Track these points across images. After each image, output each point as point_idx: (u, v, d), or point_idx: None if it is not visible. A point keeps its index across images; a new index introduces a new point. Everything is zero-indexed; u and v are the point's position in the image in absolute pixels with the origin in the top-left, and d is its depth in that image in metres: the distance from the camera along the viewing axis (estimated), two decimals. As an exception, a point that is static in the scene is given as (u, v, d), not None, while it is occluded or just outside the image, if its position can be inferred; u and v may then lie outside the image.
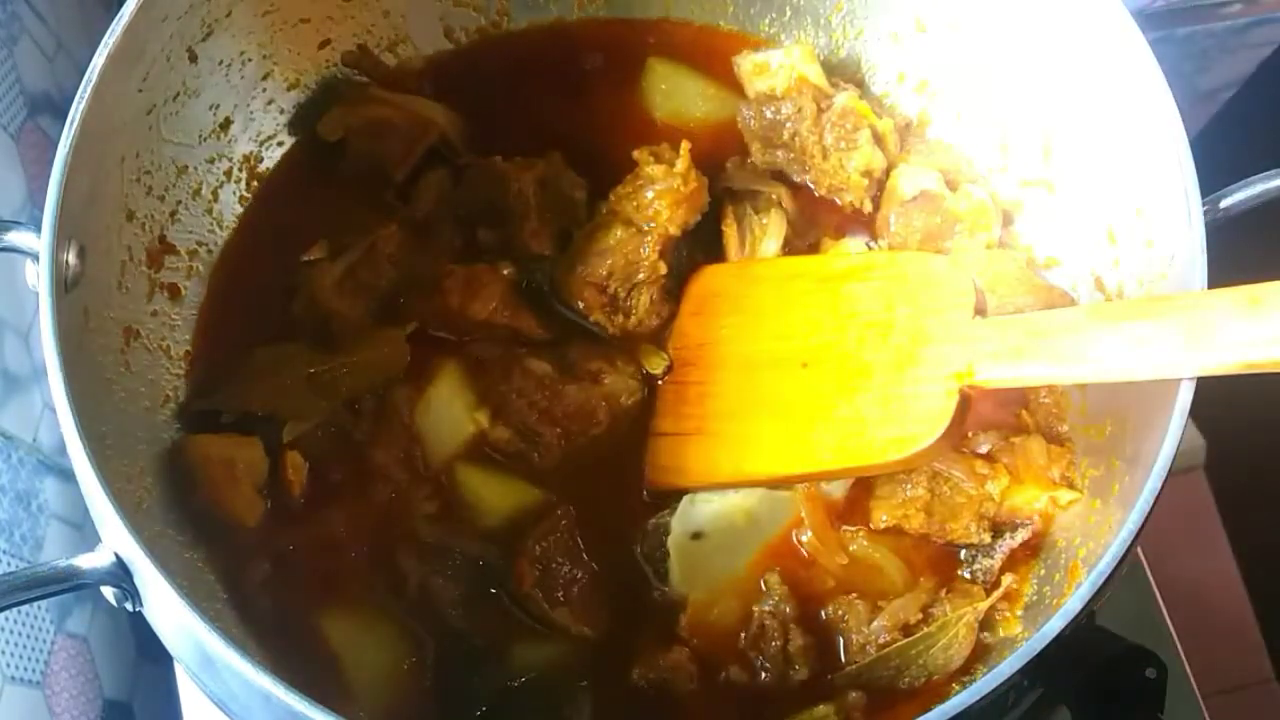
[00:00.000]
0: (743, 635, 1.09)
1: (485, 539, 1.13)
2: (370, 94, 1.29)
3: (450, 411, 1.17)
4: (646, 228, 1.20)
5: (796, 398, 1.14)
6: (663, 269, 1.20)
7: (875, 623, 1.08)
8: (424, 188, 1.27)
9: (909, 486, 1.13)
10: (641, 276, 1.20)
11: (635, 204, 1.21)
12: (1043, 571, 1.12)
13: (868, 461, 1.10)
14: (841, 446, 1.11)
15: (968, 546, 1.13)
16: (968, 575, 1.12)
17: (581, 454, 1.17)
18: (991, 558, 1.12)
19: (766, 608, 1.09)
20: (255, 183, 1.28)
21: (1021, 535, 1.13)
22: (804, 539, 1.12)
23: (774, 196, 1.25)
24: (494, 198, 1.24)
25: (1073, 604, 0.89)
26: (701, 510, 1.13)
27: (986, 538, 1.13)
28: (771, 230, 1.24)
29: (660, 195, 1.20)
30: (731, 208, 1.25)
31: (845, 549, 1.12)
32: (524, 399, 1.16)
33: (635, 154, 1.22)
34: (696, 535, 1.12)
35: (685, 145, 1.20)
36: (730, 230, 1.24)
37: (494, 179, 1.24)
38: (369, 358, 1.18)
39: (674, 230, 1.21)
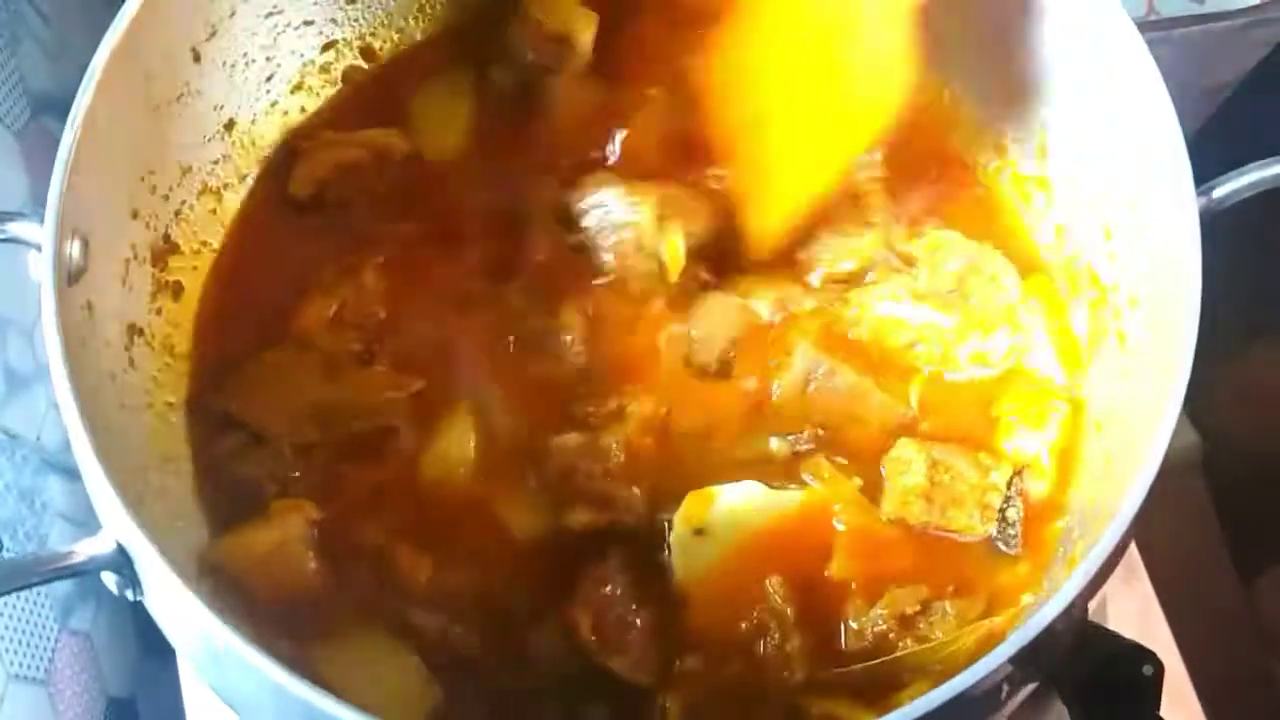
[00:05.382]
0: (743, 626, 1.09)
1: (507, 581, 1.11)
2: (325, 140, 1.28)
3: (462, 456, 1.15)
4: None
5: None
6: None
7: (874, 610, 1.08)
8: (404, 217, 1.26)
9: (906, 475, 1.13)
10: None
11: None
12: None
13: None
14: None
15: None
16: (1001, 547, 1.13)
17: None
18: (1013, 527, 1.13)
19: (768, 607, 1.09)
20: (259, 186, 1.28)
21: (1030, 483, 1.14)
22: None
23: None
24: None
25: (1065, 593, 0.89)
26: (705, 507, 1.12)
27: (991, 529, 1.13)
28: None
29: None
30: None
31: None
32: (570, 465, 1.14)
33: None
34: (699, 531, 1.12)
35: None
36: None
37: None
38: (374, 401, 1.16)
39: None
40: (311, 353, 1.18)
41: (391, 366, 1.18)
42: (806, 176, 1.22)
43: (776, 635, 1.08)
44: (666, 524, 1.12)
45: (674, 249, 1.20)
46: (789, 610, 1.09)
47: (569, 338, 1.19)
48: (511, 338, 1.20)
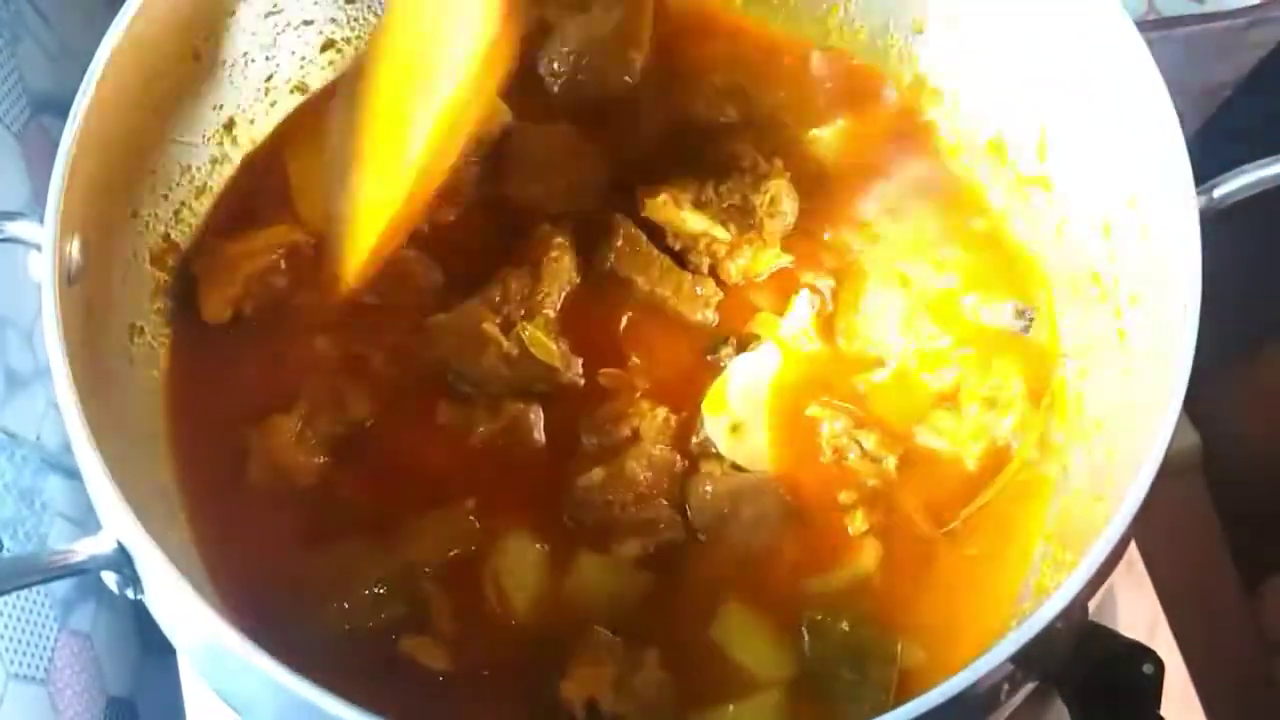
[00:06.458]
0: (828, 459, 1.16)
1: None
2: (222, 250, 1.21)
3: (530, 560, 1.12)
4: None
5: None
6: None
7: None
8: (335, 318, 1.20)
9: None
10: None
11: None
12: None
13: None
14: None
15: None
16: None
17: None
18: None
19: (837, 428, 1.16)
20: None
21: None
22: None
23: None
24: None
25: (1065, 591, 0.89)
26: (723, 403, 1.17)
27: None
28: None
29: None
30: None
31: None
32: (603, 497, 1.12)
33: None
34: (735, 427, 1.16)
35: None
36: None
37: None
38: (434, 541, 1.11)
39: None
40: (358, 538, 1.11)
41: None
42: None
43: (857, 452, 1.15)
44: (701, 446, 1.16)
45: (540, 344, 1.16)
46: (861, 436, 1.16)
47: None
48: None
